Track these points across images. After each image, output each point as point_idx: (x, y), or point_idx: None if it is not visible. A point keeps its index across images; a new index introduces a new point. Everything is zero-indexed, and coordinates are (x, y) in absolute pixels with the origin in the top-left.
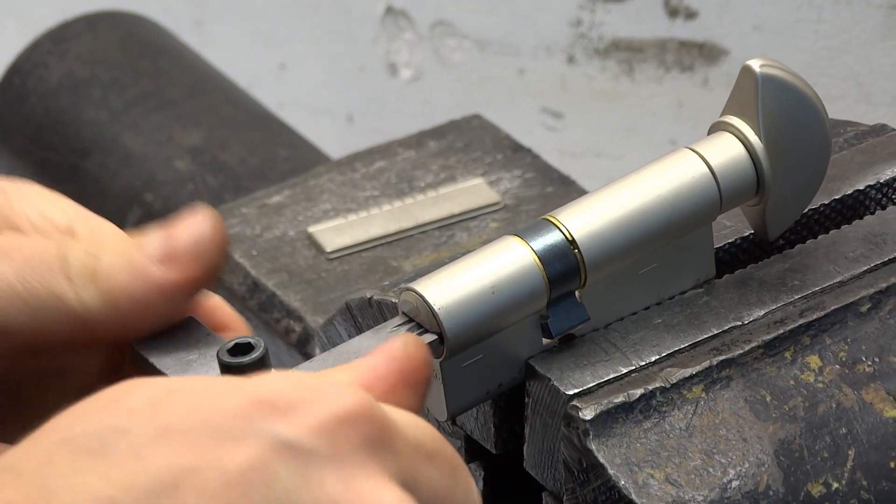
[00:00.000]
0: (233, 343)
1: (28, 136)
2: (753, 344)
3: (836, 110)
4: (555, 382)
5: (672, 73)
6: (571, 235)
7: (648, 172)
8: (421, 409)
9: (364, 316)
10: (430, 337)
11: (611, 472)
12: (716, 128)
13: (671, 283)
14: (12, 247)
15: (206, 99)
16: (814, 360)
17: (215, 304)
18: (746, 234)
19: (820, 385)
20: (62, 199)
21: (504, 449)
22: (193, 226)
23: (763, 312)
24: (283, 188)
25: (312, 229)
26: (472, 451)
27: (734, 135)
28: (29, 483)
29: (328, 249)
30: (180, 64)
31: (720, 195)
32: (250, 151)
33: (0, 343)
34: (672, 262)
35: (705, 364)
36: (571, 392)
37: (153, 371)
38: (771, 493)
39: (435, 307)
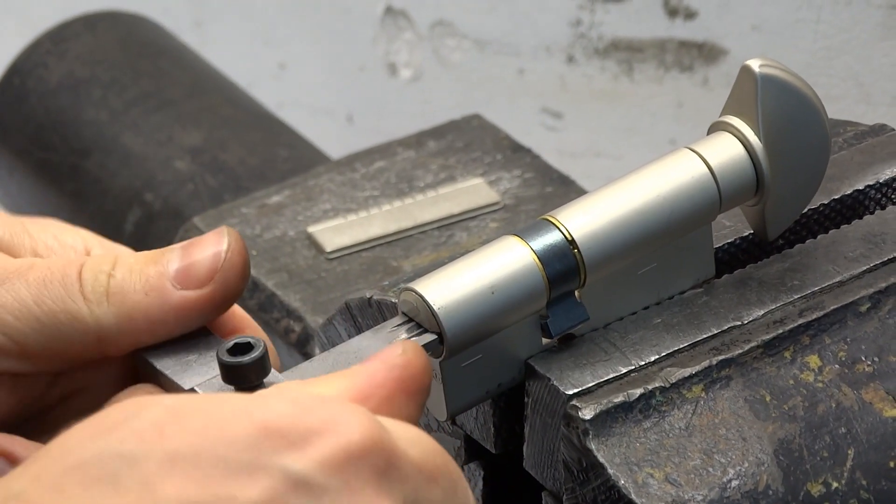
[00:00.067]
0: (232, 343)
1: (28, 137)
2: (753, 344)
3: (835, 110)
4: (554, 382)
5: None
6: (571, 235)
7: (648, 172)
8: (420, 417)
9: (364, 316)
10: (429, 337)
11: (610, 471)
12: (715, 128)
13: (671, 282)
14: (28, 268)
15: (206, 99)
16: (813, 360)
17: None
18: (746, 234)
19: (819, 385)
20: (79, 228)
21: (504, 449)
22: (213, 244)
23: (762, 312)
24: (282, 188)
25: (312, 229)
26: (471, 451)
27: (733, 135)
28: None
29: (328, 249)
30: (180, 64)
31: (719, 195)
32: (250, 151)
33: (22, 367)
34: (671, 262)
35: (705, 364)
36: (571, 392)
37: (153, 371)
38: (770, 492)
39: (434, 307)
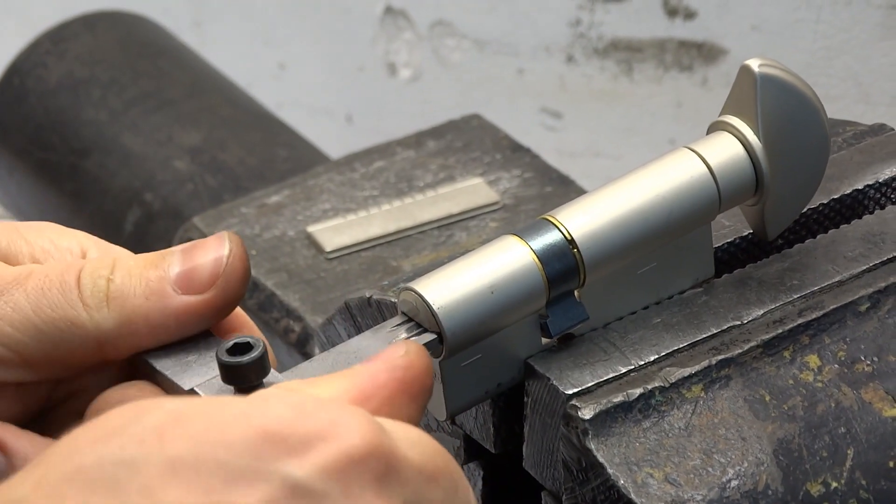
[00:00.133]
0: (231, 343)
1: (27, 136)
2: (752, 343)
3: (835, 110)
4: (554, 382)
5: (671, 73)
6: (570, 235)
7: (647, 172)
8: (421, 419)
9: (363, 315)
10: (429, 336)
11: (610, 471)
12: (714, 127)
13: (670, 282)
14: (26, 276)
15: (206, 99)
16: (813, 360)
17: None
18: (745, 233)
19: (819, 384)
20: (75, 231)
21: (503, 448)
22: (214, 249)
23: (762, 312)
24: (282, 188)
25: (312, 229)
26: (471, 451)
27: (733, 134)
28: None
29: (327, 249)
30: (180, 64)
31: (719, 195)
32: (249, 151)
33: (25, 376)
34: (671, 262)
35: (704, 363)
36: (570, 391)
37: (152, 371)
38: (770, 492)
39: (434, 307)
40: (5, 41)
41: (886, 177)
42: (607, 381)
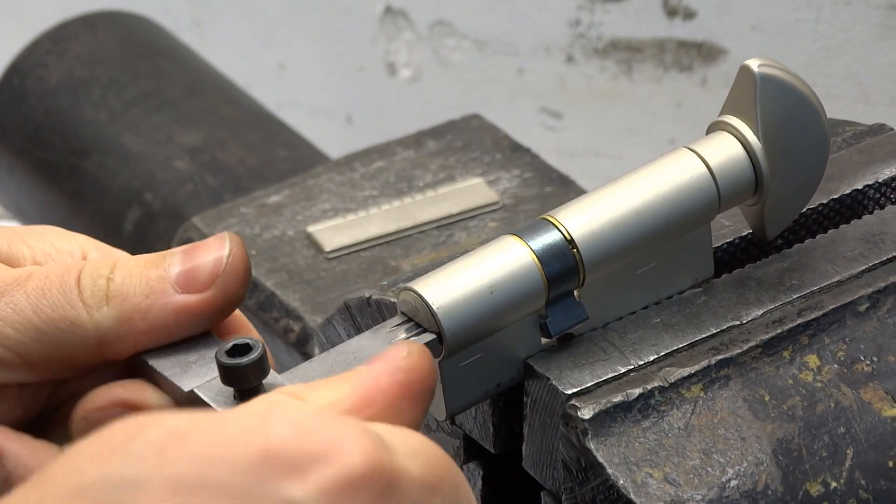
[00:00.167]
0: (231, 344)
1: (27, 136)
2: (752, 343)
3: (834, 110)
4: (553, 382)
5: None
6: (570, 235)
7: (647, 172)
8: (423, 421)
9: (363, 315)
10: (428, 336)
11: (609, 471)
12: (714, 127)
13: (670, 282)
14: (27, 277)
15: (206, 99)
16: (812, 360)
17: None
18: (745, 233)
19: (818, 384)
20: (76, 234)
21: (503, 448)
22: (215, 249)
23: (761, 312)
24: (282, 188)
25: (311, 229)
26: (470, 451)
27: (732, 134)
28: None
29: (327, 249)
30: (179, 64)
31: (718, 195)
32: (249, 151)
33: (26, 377)
34: (670, 262)
35: (704, 363)
36: (570, 391)
37: (151, 372)
38: (769, 492)
39: (433, 307)
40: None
41: (886, 177)
42: (607, 381)
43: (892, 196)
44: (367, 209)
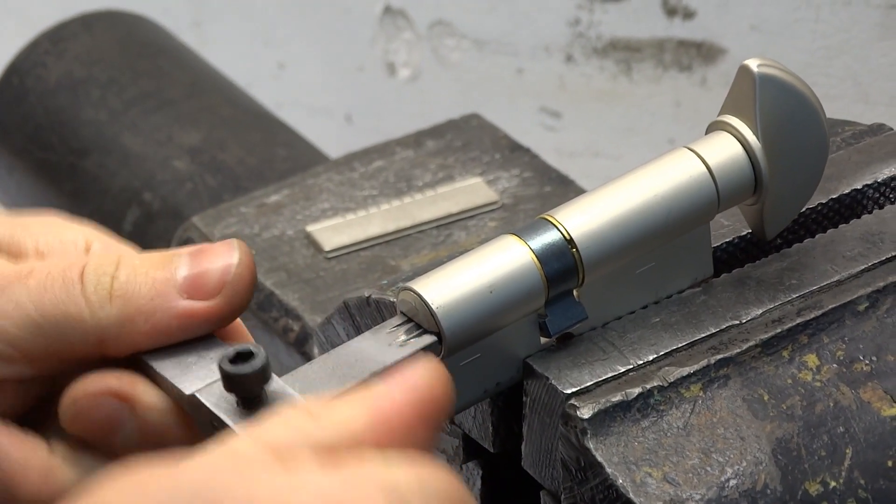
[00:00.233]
0: (233, 351)
1: (27, 136)
2: (751, 343)
3: (834, 110)
4: (553, 381)
5: (670, 73)
6: (569, 234)
7: (646, 172)
8: (435, 446)
9: (362, 315)
10: (429, 339)
11: (609, 470)
12: (713, 127)
13: (669, 282)
14: (28, 273)
15: (205, 99)
16: (811, 359)
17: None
18: (744, 233)
19: (818, 384)
20: (82, 225)
21: (502, 448)
22: (223, 256)
23: (761, 311)
24: (281, 187)
25: (311, 228)
26: (470, 450)
27: (732, 134)
28: None
29: (326, 248)
30: (179, 64)
31: (718, 194)
32: (249, 151)
33: (23, 371)
34: (670, 262)
35: (703, 363)
36: (569, 391)
37: (151, 373)
38: (769, 491)
39: (433, 306)
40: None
41: (885, 176)
42: (606, 381)
43: (891, 196)
44: (366, 209)
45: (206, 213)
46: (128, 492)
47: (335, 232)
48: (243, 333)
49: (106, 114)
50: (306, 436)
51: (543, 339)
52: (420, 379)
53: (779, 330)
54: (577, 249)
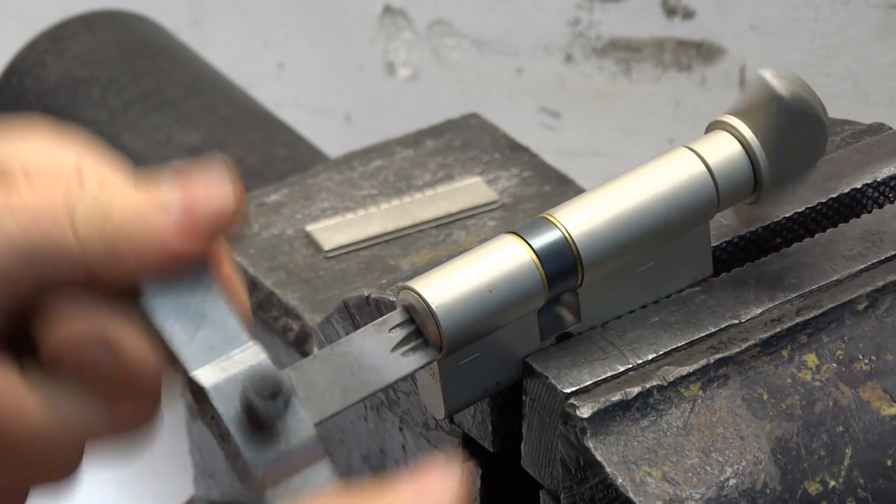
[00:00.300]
0: (255, 376)
1: None
2: (750, 342)
3: (833, 109)
4: (552, 381)
5: (670, 73)
6: (569, 233)
7: (646, 171)
8: None
9: (362, 314)
10: (431, 354)
11: (608, 469)
12: (713, 126)
13: (668, 281)
14: (17, 202)
15: (205, 98)
16: (811, 359)
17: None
18: (744, 232)
19: (817, 383)
20: (73, 140)
21: (502, 447)
22: (216, 198)
23: (760, 311)
24: (281, 187)
25: (310, 228)
26: (469, 450)
27: (731, 134)
28: None
29: (326, 248)
30: (179, 63)
31: (717, 194)
32: (249, 151)
33: (5, 300)
34: (669, 261)
35: (702, 362)
36: (569, 390)
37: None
38: (768, 491)
39: (432, 305)
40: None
41: (885, 176)
42: (605, 380)
43: (890, 195)
44: (366, 208)
45: None
46: None
47: (335, 231)
48: (243, 302)
49: (106, 114)
50: None
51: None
52: (449, 492)
53: (778, 329)
54: (577, 248)
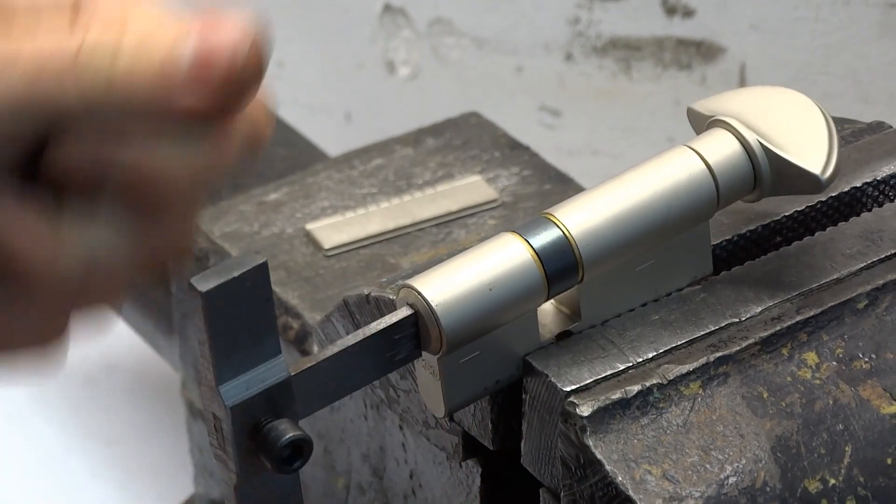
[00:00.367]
0: (288, 440)
1: None
2: (750, 340)
3: (833, 108)
4: (552, 379)
5: (669, 72)
6: (569, 232)
7: (646, 169)
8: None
9: (362, 313)
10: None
11: (608, 468)
12: (712, 124)
13: (668, 279)
14: (19, 50)
15: None
16: (811, 357)
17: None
18: (744, 231)
19: (817, 382)
20: None
21: (501, 445)
22: (237, 53)
23: (760, 309)
24: (281, 186)
25: (310, 226)
26: (469, 448)
27: (731, 132)
28: None
29: (326, 246)
30: None
31: (717, 192)
32: None
33: (7, 150)
34: (669, 259)
35: (702, 360)
36: (569, 388)
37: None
38: (768, 489)
39: (433, 304)
40: None
41: (885, 174)
42: (605, 379)
43: (890, 194)
44: (366, 207)
45: (206, 212)
46: None
47: (335, 230)
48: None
49: None
50: None
51: (543, 337)
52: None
53: (778, 328)
54: (577, 247)
